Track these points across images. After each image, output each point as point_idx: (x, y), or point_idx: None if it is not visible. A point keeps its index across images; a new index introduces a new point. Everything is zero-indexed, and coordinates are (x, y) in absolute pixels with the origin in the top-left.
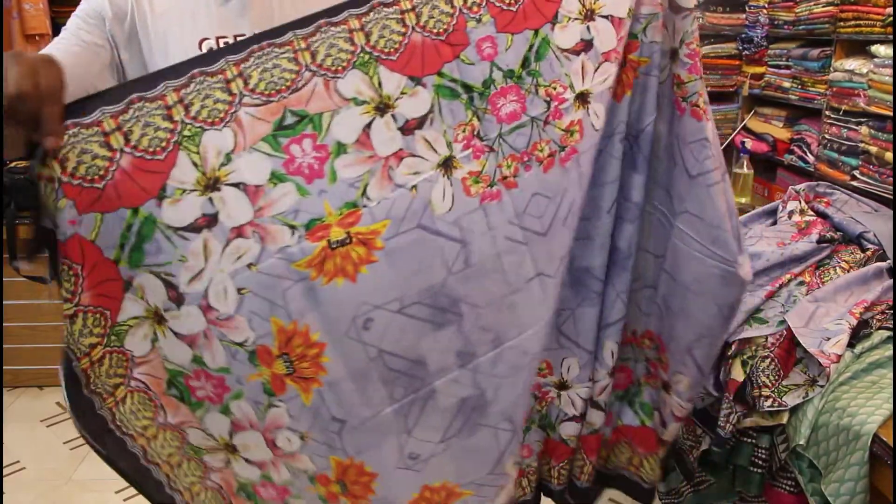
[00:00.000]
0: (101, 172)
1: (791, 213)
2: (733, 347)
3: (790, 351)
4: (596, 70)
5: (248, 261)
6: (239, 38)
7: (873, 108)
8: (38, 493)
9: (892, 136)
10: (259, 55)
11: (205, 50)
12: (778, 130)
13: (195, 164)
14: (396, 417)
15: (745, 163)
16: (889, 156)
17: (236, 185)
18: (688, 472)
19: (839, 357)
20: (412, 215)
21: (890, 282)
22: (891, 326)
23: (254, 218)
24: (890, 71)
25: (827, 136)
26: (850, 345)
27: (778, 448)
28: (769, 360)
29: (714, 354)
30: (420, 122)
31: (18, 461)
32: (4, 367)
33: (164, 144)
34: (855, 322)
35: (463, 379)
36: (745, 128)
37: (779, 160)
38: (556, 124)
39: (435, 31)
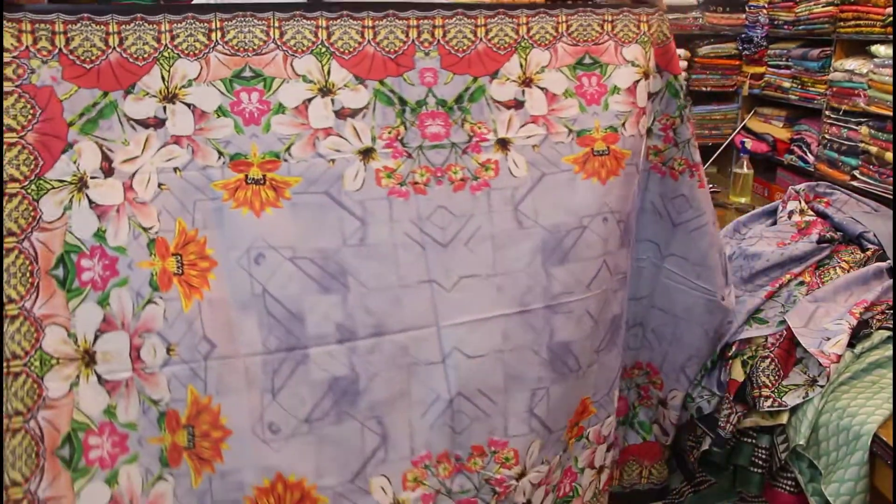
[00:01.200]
0: (93, 58)
1: (791, 213)
2: (733, 348)
3: (790, 351)
4: (522, 126)
5: (175, 164)
6: None
7: (873, 108)
8: None
9: (892, 136)
10: (241, 20)
11: None
12: (778, 130)
13: (163, 78)
14: (264, 371)
15: (745, 163)
16: (889, 156)
17: (188, 104)
18: (688, 472)
19: (839, 357)
20: (323, 182)
21: (890, 282)
22: (891, 326)
23: (193, 134)
24: (890, 71)
25: (827, 136)
26: (850, 345)
27: (778, 448)
28: (769, 360)
29: (701, 369)
30: (353, 113)
31: None
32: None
33: (146, 55)
34: (855, 322)
35: (338, 355)
36: (745, 128)
37: (779, 160)
38: (474, 156)
39: (387, 49)
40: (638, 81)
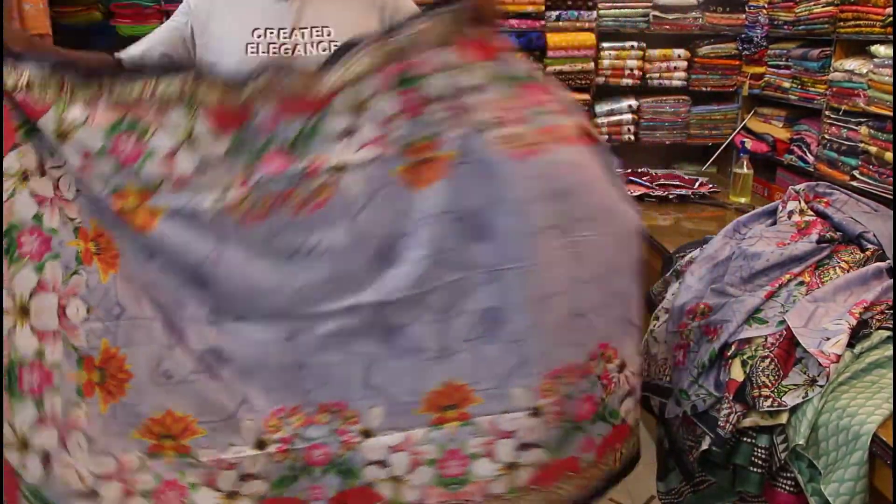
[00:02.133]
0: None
1: (791, 213)
2: (733, 347)
3: (790, 351)
4: (357, 151)
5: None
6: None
7: (873, 108)
8: None
9: (891, 136)
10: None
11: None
12: (778, 130)
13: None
14: (163, 332)
15: (745, 163)
16: (889, 156)
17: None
18: (688, 472)
19: (839, 357)
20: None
21: (890, 282)
22: (890, 326)
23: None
24: (890, 71)
25: (827, 136)
26: (850, 345)
27: (778, 448)
28: (769, 360)
29: (637, 305)
30: (220, 160)
31: None
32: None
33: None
34: (854, 322)
35: (209, 332)
36: (745, 128)
37: (779, 160)
38: (308, 183)
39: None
40: None
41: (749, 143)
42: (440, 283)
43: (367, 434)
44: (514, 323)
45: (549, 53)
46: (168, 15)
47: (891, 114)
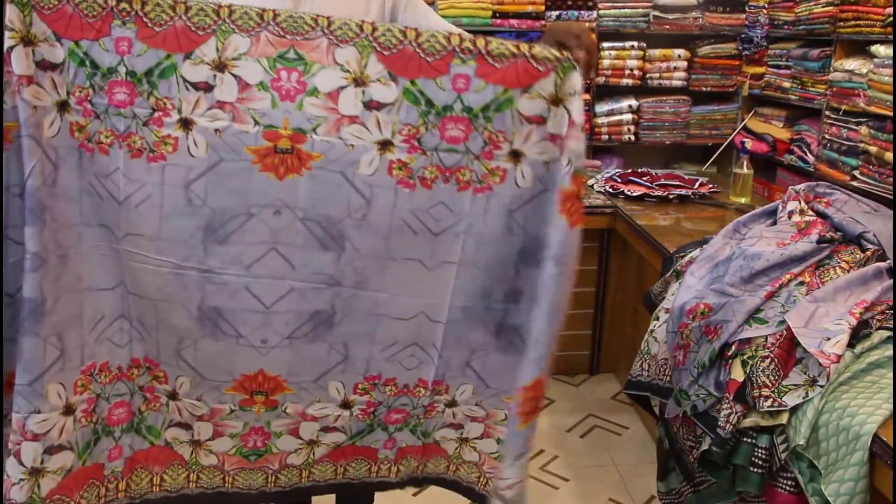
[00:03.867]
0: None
1: (791, 214)
2: (733, 347)
3: (790, 351)
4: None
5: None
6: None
7: (873, 108)
8: None
9: (891, 136)
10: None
11: None
12: (778, 130)
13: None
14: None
15: (745, 163)
16: (889, 156)
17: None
18: (688, 472)
19: (839, 357)
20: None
21: (890, 282)
22: (891, 326)
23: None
24: (890, 71)
25: (827, 136)
26: (850, 345)
27: (778, 448)
28: (769, 360)
29: (493, 364)
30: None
31: None
32: (4, 367)
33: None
34: (855, 322)
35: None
36: (745, 128)
37: (779, 160)
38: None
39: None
40: (344, 87)
41: (749, 143)
42: (266, 276)
43: (172, 396)
44: (345, 328)
45: None
46: None
47: (891, 114)
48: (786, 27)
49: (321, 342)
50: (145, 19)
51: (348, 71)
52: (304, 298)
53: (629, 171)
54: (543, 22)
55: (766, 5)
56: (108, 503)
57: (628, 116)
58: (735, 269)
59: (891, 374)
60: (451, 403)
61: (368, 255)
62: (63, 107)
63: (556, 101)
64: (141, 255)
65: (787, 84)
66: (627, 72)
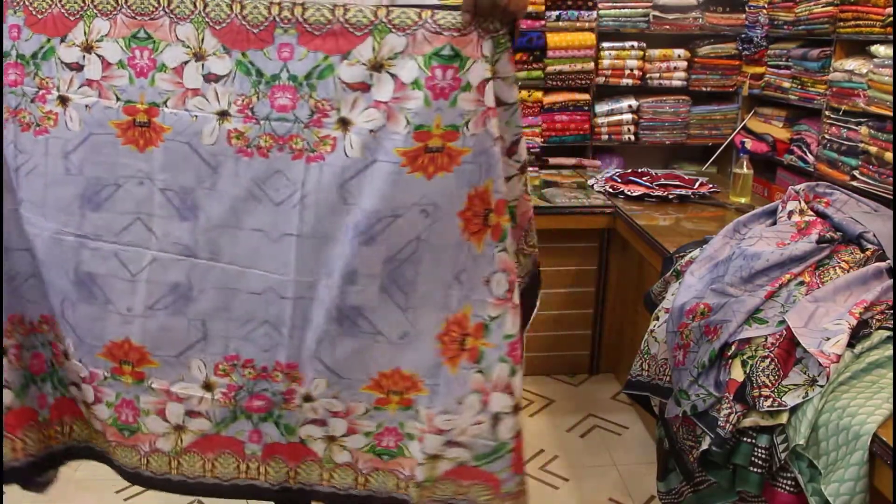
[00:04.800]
0: (42, 10)
1: (791, 214)
2: (733, 347)
3: (790, 351)
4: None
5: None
6: None
7: (873, 108)
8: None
9: (891, 136)
10: None
11: None
12: (778, 130)
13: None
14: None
15: (745, 163)
16: (889, 156)
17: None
18: (688, 472)
19: (839, 357)
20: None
21: (890, 282)
22: (891, 326)
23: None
24: (890, 71)
25: (827, 136)
26: (850, 345)
27: (778, 448)
28: (769, 360)
29: (341, 352)
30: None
31: None
32: None
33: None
34: (855, 322)
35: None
36: (745, 128)
37: (779, 160)
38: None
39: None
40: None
41: (749, 143)
42: (131, 243)
43: (307, 398)
44: (202, 303)
45: (549, 53)
46: None
47: (891, 114)
48: (786, 27)
49: (181, 317)
50: (31, 8)
51: (189, 46)
52: (165, 269)
53: (629, 171)
54: (543, 22)
55: (766, 5)
56: (47, 448)
57: (628, 116)
58: (735, 269)
59: (891, 374)
60: (308, 398)
61: (219, 224)
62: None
63: (377, 66)
64: (31, 220)
65: (786, 84)
66: (627, 72)
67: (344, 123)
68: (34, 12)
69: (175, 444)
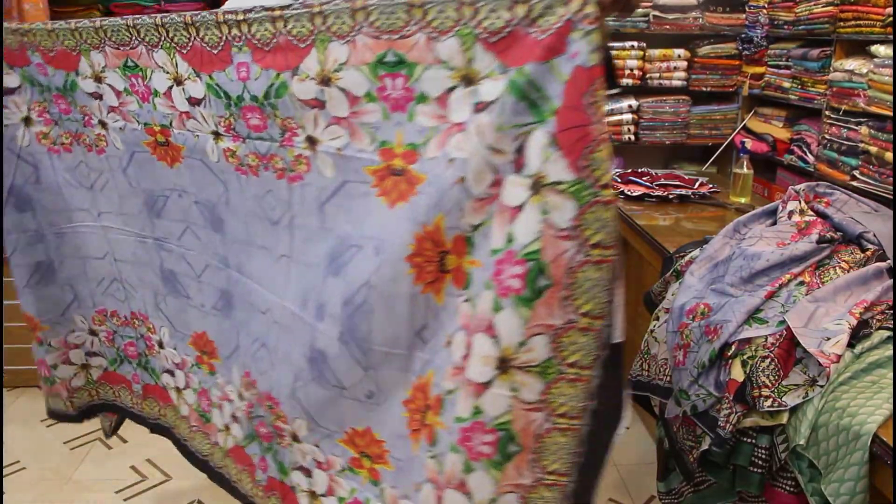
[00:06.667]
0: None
1: (791, 214)
2: (733, 347)
3: (790, 351)
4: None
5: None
6: None
7: (873, 108)
8: (38, 493)
9: (892, 136)
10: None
11: None
12: (778, 130)
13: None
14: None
15: (745, 163)
16: (889, 156)
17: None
18: (688, 472)
19: (839, 357)
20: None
21: (890, 282)
22: (891, 326)
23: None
24: (890, 71)
25: (827, 136)
26: (850, 345)
27: (778, 448)
28: (769, 360)
29: (314, 397)
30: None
31: (18, 461)
32: (4, 367)
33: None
34: (855, 322)
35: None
36: (745, 128)
37: (779, 160)
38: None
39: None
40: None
41: (749, 143)
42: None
43: (294, 438)
44: (238, 312)
45: None
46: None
47: (891, 114)
48: (786, 27)
49: (229, 321)
50: (42, 47)
51: (168, 72)
52: (215, 274)
53: (629, 171)
54: None
55: (766, 5)
56: (132, 409)
57: (628, 116)
58: (735, 269)
59: (891, 374)
60: (295, 437)
61: (237, 239)
62: (27, 121)
63: (325, 80)
64: (115, 229)
65: (787, 84)
66: (627, 72)
67: (311, 142)
68: (46, 51)
69: (224, 444)
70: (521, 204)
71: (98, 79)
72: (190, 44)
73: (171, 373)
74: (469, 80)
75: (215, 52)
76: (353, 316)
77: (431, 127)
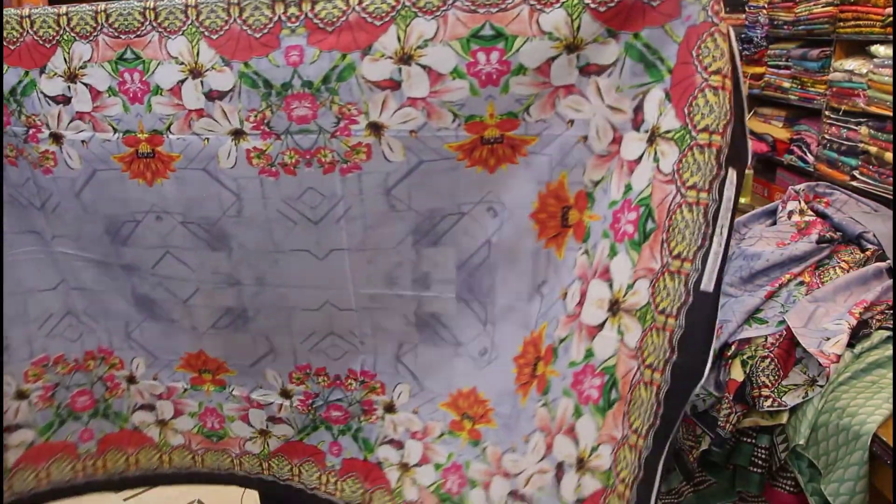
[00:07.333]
0: (13, 40)
1: (791, 214)
2: (733, 347)
3: (790, 351)
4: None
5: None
6: None
7: (873, 108)
8: None
9: (891, 136)
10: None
11: None
12: (778, 130)
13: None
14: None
15: None
16: (889, 156)
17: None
18: (688, 472)
19: (839, 357)
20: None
21: (889, 282)
22: (890, 326)
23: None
24: (889, 71)
25: (826, 136)
26: (850, 345)
27: (778, 448)
28: (769, 360)
29: (424, 360)
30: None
31: None
32: None
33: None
34: (854, 322)
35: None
36: None
37: (779, 160)
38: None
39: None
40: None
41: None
42: (170, 276)
43: (388, 408)
44: (260, 322)
45: None
46: None
47: (891, 114)
48: (786, 27)
49: (244, 333)
50: (5, 41)
51: (183, 63)
52: (211, 296)
53: None
54: None
55: (766, 5)
56: (88, 477)
57: None
58: (735, 269)
59: (891, 374)
60: (390, 408)
61: (255, 250)
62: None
63: (405, 58)
64: (73, 254)
65: (786, 84)
66: None
67: (376, 128)
68: (6, 43)
69: (263, 448)
70: (640, 156)
71: (72, 77)
72: (226, 27)
73: (150, 407)
74: (573, 48)
75: (258, 35)
76: (473, 276)
77: (531, 94)
